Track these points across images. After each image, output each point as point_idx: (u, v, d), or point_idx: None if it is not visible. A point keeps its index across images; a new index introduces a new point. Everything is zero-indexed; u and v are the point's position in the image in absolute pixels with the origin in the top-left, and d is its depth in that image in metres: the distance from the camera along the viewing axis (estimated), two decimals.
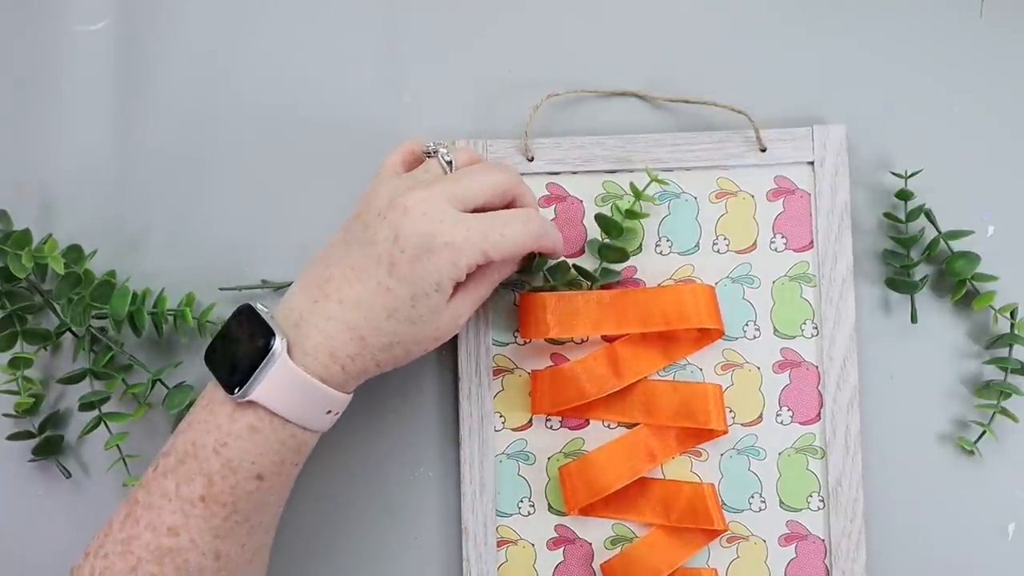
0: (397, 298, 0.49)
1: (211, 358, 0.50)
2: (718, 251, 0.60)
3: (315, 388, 0.49)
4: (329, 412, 0.50)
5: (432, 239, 0.49)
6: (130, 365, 0.61)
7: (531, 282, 0.60)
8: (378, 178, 0.53)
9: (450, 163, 0.53)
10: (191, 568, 0.49)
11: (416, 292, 0.49)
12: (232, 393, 0.48)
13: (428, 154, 0.55)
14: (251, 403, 0.48)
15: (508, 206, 0.53)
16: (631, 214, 0.58)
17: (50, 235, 0.60)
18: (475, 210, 0.51)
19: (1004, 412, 0.59)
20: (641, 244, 0.60)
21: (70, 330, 0.60)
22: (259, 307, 0.50)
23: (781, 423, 0.59)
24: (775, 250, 0.60)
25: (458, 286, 0.51)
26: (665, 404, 0.59)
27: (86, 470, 0.62)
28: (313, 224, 0.62)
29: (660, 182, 0.59)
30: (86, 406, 0.59)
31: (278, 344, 0.48)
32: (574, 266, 0.59)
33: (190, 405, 0.59)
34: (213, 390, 0.50)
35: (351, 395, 0.52)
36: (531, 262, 0.58)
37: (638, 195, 0.58)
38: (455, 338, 0.60)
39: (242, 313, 0.50)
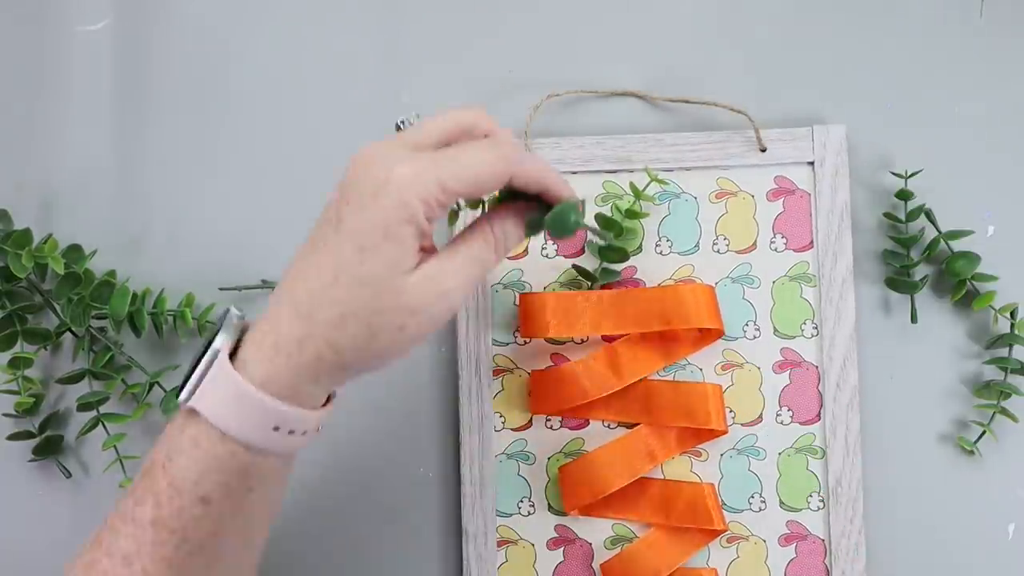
0: (342, 256, 0.41)
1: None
2: (718, 251, 0.60)
3: (249, 395, 0.41)
4: (277, 429, 0.41)
5: (377, 180, 0.41)
6: (129, 366, 0.61)
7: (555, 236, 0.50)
8: None
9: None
10: None
11: (364, 243, 0.41)
12: (177, 397, 0.43)
13: (398, 128, 0.48)
14: (194, 413, 0.42)
15: None
16: (631, 214, 0.58)
17: (50, 235, 0.60)
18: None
19: (1004, 412, 0.59)
20: (641, 244, 0.60)
21: (70, 330, 0.60)
22: (232, 310, 0.44)
23: (781, 423, 0.59)
24: (775, 250, 0.60)
25: (435, 250, 0.44)
26: (665, 404, 0.59)
27: (86, 470, 0.62)
28: (313, 224, 0.62)
29: (660, 182, 0.59)
30: (84, 406, 0.59)
31: (218, 341, 0.42)
32: (574, 266, 0.60)
33: None
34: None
35: (314, 414, 0.43)
36: (540, 221, 0.47)
37: (638, 195, 0.58)
38: (455, 338, 0.60)
39: (219, 317, 0.45)
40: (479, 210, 0.52)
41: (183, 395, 0.42)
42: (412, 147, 0.43)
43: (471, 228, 0.44)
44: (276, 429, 0.41)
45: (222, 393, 0.41)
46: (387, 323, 0.41)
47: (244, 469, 0.42)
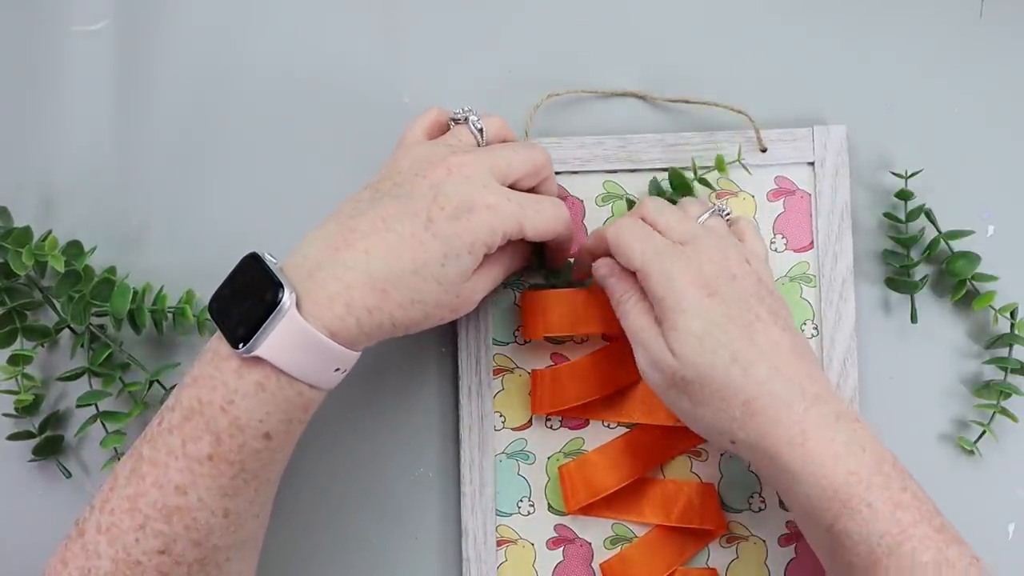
0: (429, 253, 0.48)
1: (216, 310, 0.48)
2: None
3: (324, 345, 0.46)
4: (337, 370, 0.48)
5: (473, 200, 0.49)
6: (127, 364, 0.61)
7: (531, 280, 0.60)
8: (403, 147, 0.53)
9: (481, 130, 0.54)
10: (200, 527, 0.47)
11: (449, 251, 0.48)
12: (237, 348, 0.46)
13: (456, 121, 0.55)
14: (257, 360, 0.46)
15: (533, 190, 0.54)
16: (703, 182, 0.59)
17: (50, 231, 0.60)
18: (510, 187, 0.52)
19: (1004, 412, 0.59)
20: None
21: (69, 327, 0.60)
22: (267, 256, 0.48)
23: None
24: (775, 250, 0.60)
25: (483, 261, 0.51)
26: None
27: (86, 470, 0.62)
28: (313, 222, 0.62)
29: (744, 168, 0.60)
30: (84, 402, 0.59)
31: (287, 298, 0.45)
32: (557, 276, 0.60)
33: None
34: (218, 344, 0.47)
35: (359, 354, 0.49)
36: (536, 259, 0.59)
37: (721, 167, 0.59)
38: (455, 337, 0.60)
39: (248, 263, 0.48)
40: None
41: (246, 347, 0.46)
42: (499, 177, 0.51)
43: (496, 255, 0.52)
44: (336, 370, 0.48)
45: (295, 343, 0.46)
46: (437, 313, 0.50)
47: (306, 405, 0.48)
